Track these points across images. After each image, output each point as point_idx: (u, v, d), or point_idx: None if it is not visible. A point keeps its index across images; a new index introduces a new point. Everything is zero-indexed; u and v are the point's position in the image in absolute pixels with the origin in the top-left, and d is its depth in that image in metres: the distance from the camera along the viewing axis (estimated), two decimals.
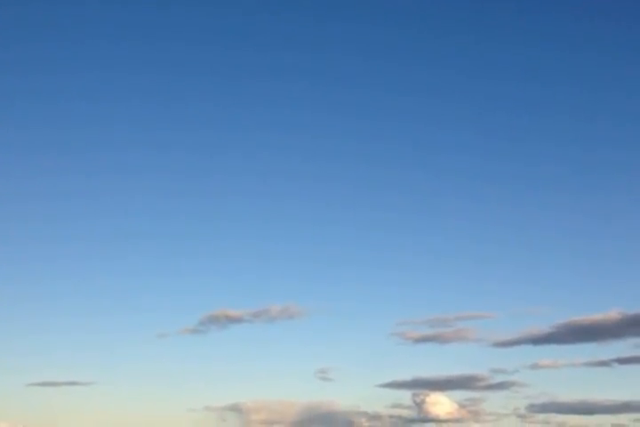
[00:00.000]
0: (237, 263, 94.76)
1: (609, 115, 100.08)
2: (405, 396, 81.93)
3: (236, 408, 79.65)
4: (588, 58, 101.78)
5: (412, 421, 78.31)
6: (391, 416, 79.25)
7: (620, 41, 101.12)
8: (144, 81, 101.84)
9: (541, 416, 79.35)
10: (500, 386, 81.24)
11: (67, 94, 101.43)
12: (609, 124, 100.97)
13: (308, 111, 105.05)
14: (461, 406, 79.30)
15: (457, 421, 77.72)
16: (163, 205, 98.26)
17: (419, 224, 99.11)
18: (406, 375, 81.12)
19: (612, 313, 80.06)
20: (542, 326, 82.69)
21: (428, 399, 77.89)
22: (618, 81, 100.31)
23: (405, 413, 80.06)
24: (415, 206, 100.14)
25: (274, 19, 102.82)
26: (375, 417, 79.35)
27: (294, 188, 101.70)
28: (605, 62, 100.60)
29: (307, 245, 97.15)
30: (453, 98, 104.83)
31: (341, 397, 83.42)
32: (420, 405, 78.06)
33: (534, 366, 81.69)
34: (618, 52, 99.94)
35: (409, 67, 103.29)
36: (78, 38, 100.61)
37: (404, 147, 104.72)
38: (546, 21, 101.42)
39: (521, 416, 79.63)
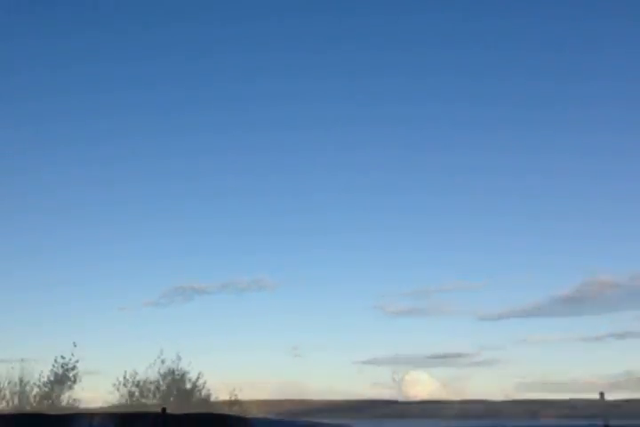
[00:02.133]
0: (203, 234, 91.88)
1: (595, 75, 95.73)
2: (385, 374, 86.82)
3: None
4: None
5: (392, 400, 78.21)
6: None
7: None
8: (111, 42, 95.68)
9: (531, 396, 79.58)
10: (487, 363, 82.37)
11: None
12: (597, 84, 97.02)
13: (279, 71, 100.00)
14: (444, 384, 79.87)
15: (440, 400, 77.56)
16: (124, 173, 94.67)
17: (399, 187, 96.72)
18: (386, 352, 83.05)
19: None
20: (532, 298, 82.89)
21: (408, 377, 78.72)
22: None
23: (385, 392, 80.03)
24: (393, 168, 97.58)
25: None
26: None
27: (262, 152, 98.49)
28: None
29: (278, 212, 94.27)
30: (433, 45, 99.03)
31: (316, 375, 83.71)
32: (400, 383, 78.22)
33: (523, 342, 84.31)
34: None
35: (392, 24, 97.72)
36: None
37: (384, 103, 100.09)
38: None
39: (509, 396, 79.77)
